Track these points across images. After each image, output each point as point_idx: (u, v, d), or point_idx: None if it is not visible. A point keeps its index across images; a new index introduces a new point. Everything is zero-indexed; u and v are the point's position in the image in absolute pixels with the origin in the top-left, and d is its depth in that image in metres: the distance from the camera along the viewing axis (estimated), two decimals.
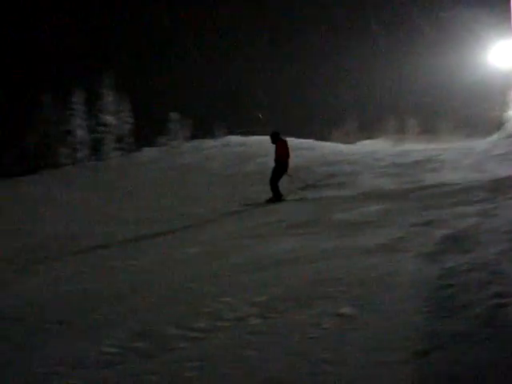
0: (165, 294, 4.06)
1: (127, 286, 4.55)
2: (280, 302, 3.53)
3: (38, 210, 13.63)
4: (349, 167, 17.52)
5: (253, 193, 13.65)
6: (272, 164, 12.29)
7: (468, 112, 39.41)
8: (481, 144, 19.55)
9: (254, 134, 29.94)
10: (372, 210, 7.94)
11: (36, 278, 5.23)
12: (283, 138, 12.60)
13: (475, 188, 8.88)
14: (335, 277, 4.09)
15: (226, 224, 8.60)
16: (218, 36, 52.52)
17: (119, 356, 2.82)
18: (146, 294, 4.12)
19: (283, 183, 12.07)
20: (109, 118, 35.59)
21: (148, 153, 30.39)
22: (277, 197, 11.68)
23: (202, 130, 35.68)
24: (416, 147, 24.56)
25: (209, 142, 30.24)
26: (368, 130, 43.48)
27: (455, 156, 16.89)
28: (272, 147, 12.47)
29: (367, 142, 39.23)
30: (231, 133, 33.48)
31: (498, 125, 22.77)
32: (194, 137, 35.77)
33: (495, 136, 20.76)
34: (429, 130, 42.28)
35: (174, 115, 37.56)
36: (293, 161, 12.57)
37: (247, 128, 33.25)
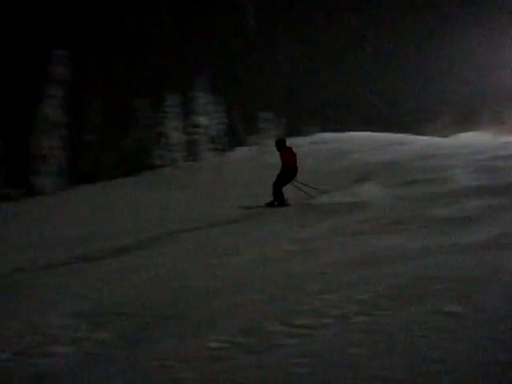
0: (266, 291, 4.08)
1: (227, 283, 4.63)
2: (384, 299, 3.48)
3: (140, 210, 14.21)
4: (445, 161, 16.96)
5: (349, 189, 13.50)
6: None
7: None
8: None
9: (348, 130, 29.68)
10: (472, 205, 7.67)
11: (137, 275, 5.42)
12: (288, 145, 12.37)
13: None
14: (439, 274, 3.98)
15: (322, 221, 8.56)
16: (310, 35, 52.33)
17: (226, 351, 2.87)
18: (247, 291, 4.17)
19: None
20: (202, 119, 36.50)
21: (241, 152, 30.89)
22: (279, 200, 11.49)
23: (294, 129, 35.81)
24: None
25: (301, 140, 30.25)
26: (465, 123, 41.85)
27: None
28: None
29: (465, 134, 37.80)
30: (323, 130, 33.37)
31: None
32: (285, 135, 35.94)
33: None
34: None
35: (265, 114, 37.91)
36: (300, 168, 12.26)
37: (338, 125, 33.03)
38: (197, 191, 18.84)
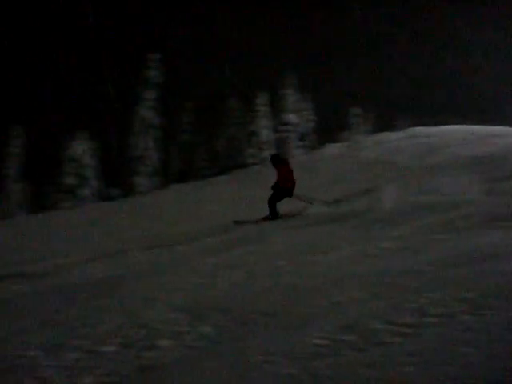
0: (365, 288, 4.02)
1: (325, 279, 4.59)
2: (491, 298, 3.34)
3: (229, 207, 14.42)
4: None
5: (444, 184, 13.02)
6: None
7: None
8: None
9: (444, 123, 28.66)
10: None
11: (234, 271, 5.48)
12: (285, 159, 11.83)
13: None
14: None
15: (417, 218, 8.31)
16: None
17: (329, 348, 2.85)
18: (347, 288, 4.12)
19: None
20: (292, 117, 36.60)
21: (331, 149, 30.64)
22: (273, 215, 11.07)
23: (384, 124, 35.13)
24: None
25: (392, 135, 29.62)
26: None
27: None
28: None
29: None
30: (415, 124, 32.45)
31: None
32: (375, 131, 35.36)
33: None
34: None
35: (355, 110, 37.47)
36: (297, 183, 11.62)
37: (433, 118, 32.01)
38: None
